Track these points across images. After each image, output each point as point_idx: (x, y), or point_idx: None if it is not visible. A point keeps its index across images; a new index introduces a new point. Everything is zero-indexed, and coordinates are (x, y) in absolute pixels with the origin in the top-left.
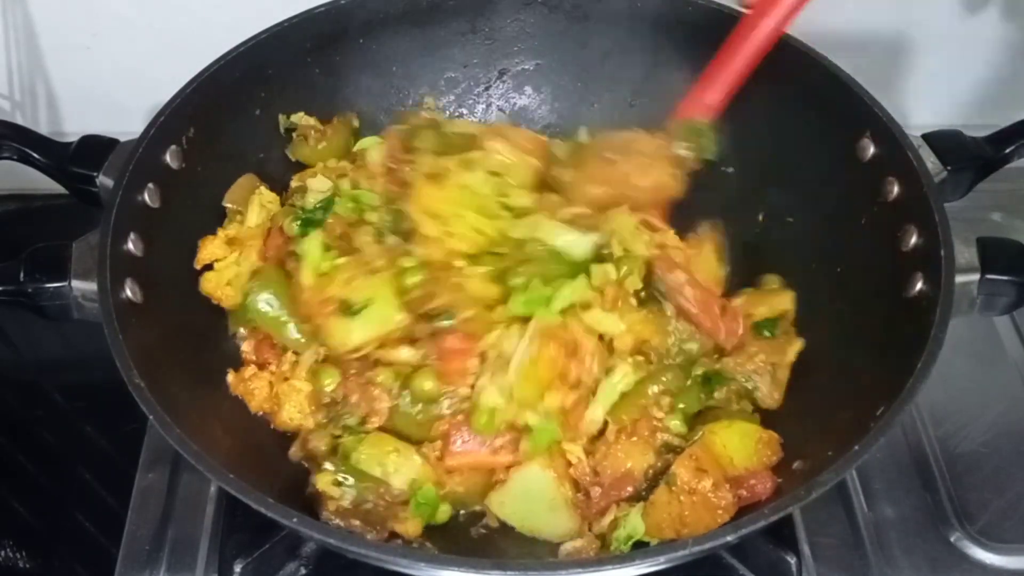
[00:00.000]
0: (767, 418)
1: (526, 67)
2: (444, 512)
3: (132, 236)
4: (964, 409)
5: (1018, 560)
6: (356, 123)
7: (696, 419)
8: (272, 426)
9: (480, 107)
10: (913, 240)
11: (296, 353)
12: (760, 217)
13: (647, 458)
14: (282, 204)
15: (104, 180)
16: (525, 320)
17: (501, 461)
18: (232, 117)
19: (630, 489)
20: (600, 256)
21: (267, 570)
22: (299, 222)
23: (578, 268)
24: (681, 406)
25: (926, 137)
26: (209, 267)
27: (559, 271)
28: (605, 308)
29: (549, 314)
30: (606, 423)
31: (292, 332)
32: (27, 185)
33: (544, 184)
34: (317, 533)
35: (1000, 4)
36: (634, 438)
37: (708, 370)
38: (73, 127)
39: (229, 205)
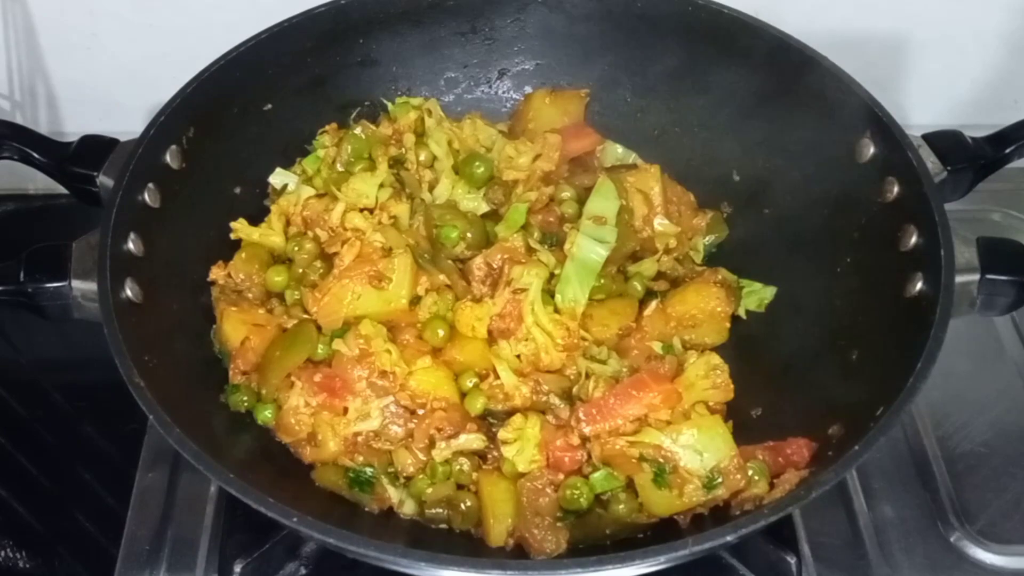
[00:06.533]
0: (766, 417)
1: (526, 67)
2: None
3: (132, 236)
4: (964, 409)
5: (1018, 560)
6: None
7: None
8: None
9: (480, 107)
10: (913, 240)
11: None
12: (760, 217)
13: None
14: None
15: (104, 180)
16: None
17: None
18: (232, 117)
19: None
20: None
21: (267, 570)
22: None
23: None
24: None
25: (926, 137)
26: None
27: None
28: None
29: None
30: None
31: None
32: (27, 185)
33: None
34: (317, 533)
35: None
36: None
37: None
38: (73, 127)
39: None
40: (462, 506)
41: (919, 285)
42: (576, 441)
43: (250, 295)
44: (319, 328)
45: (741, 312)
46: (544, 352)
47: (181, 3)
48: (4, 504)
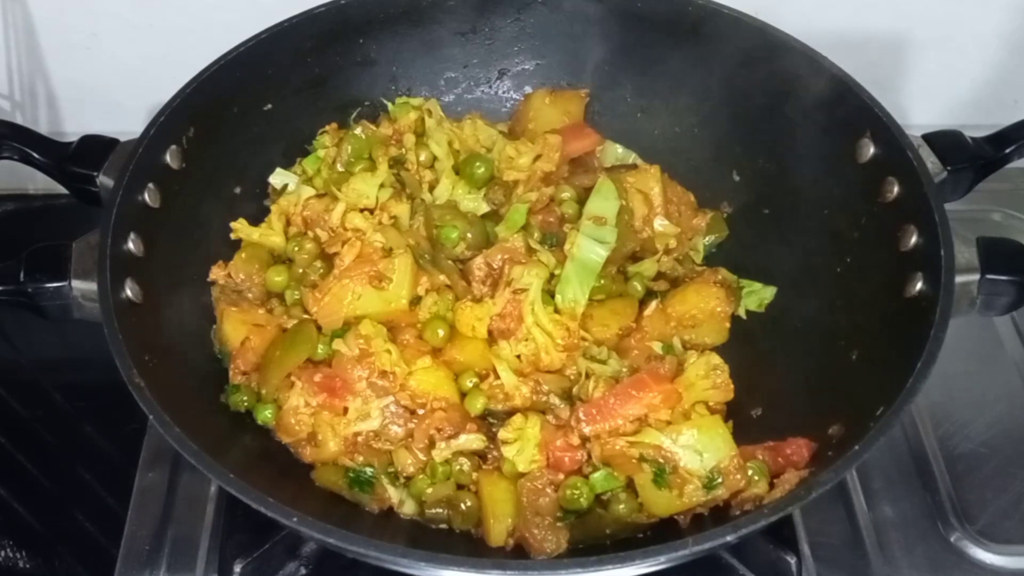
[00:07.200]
0: (766, 417)
1: (526, 67)
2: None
3: (132, 236)
4: (964, 409)
5: (1018, 560)
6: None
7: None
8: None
9: (480, 107)
10: (913, 240)
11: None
12: (760, 217)
13: None
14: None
15: (104, 180)
16: None
17: None
18: (232, 117)
19: None
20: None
21: (267, 570)
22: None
23: None
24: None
25: (926, 137)
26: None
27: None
28: None
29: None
30: None
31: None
32: (27, 185)
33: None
34: (317, 533)
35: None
36: None
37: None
38: (73, 127)
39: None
40: (462, 506)
41: (919, 285)
42: (576, 441)
43: (250, 295)
44: (319, 328)
45: (741, 312)
46: (544, 352)
47: (181, 3)
48: (4, 504)
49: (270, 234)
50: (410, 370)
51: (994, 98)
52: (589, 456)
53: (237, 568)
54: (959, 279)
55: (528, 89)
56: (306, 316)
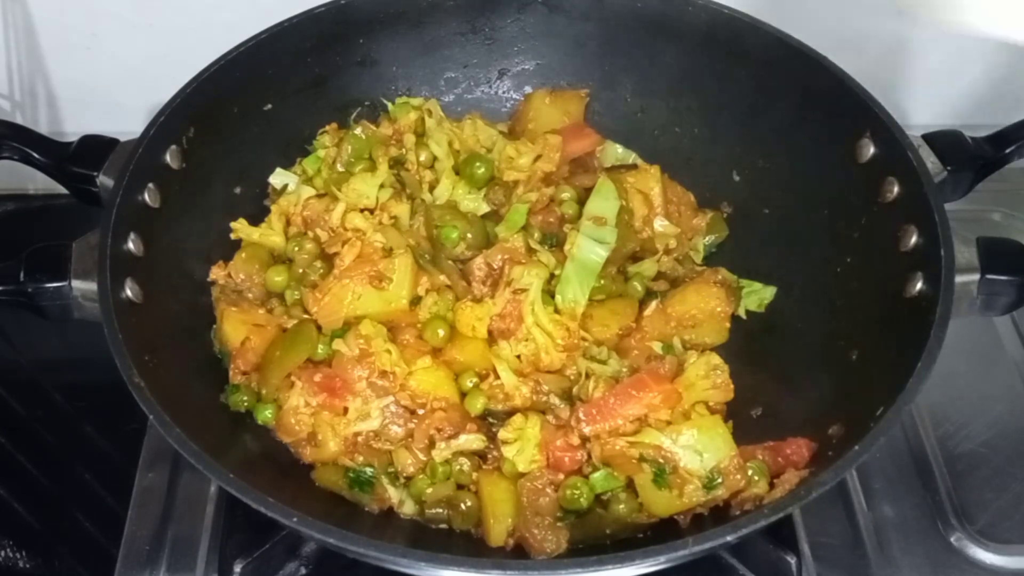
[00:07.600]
0: (766, 417)
1: (526, 67)
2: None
3: (132, 236)
4: (964, 409)
5: (1018, 560)
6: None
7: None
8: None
9: (480, 107)
10: (913, 240)
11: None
12: (760, 217)
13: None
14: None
15: (104, 180)
16: None
17: None
18: (232, 117)
19: None
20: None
21: (267, 570)
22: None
23: None
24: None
25: (926, 137)
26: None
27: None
28: None
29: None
30: None
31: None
32: (27, 185)
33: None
34: (317, 533)
35: None
36: None
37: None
38: (73, 127)
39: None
40: (462, 506)
41: (919, 285)
42: (576, 441)
43: (250, 295)
44: (319, 328)
45: (741, 312)
46: (544, 352)
47: (181, 3)
48: (4, 504)
49: (270, 234)
50: (410, 370)
51: (994, 98)
52: (589, 456)
53: (237, 568)
54: (959, 279)
55: (528, 89)
56: (306, 316)
